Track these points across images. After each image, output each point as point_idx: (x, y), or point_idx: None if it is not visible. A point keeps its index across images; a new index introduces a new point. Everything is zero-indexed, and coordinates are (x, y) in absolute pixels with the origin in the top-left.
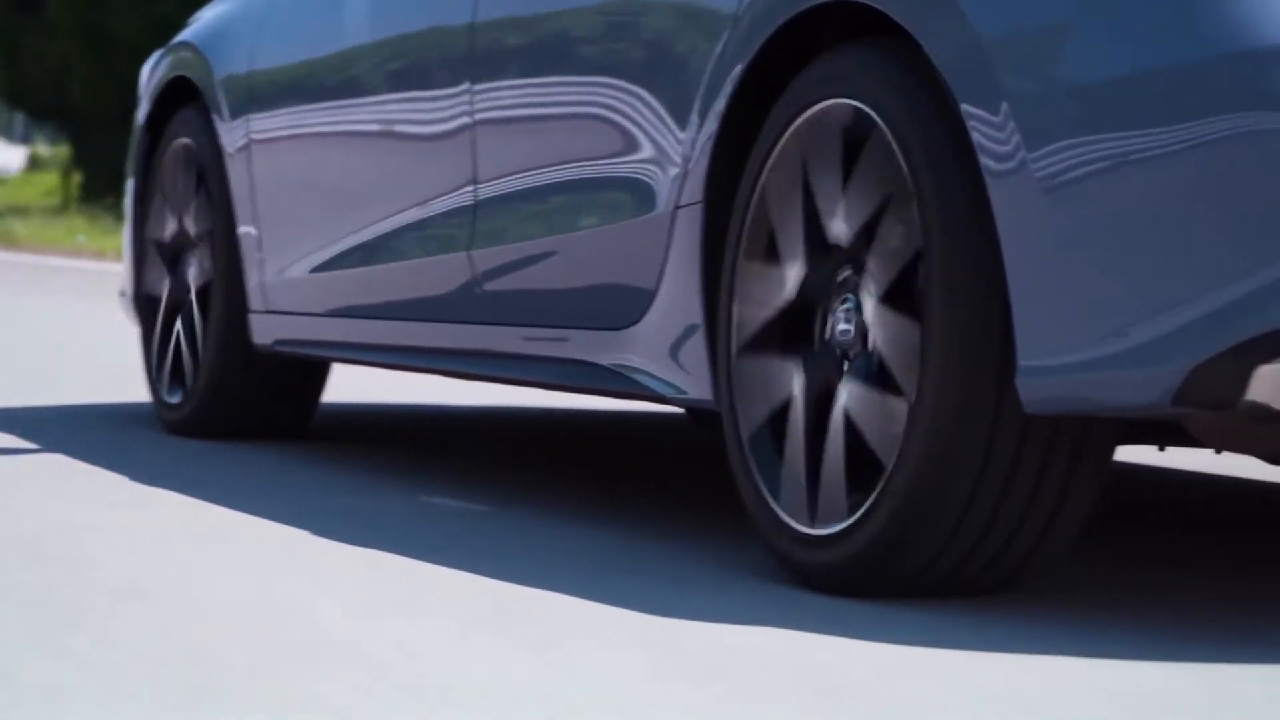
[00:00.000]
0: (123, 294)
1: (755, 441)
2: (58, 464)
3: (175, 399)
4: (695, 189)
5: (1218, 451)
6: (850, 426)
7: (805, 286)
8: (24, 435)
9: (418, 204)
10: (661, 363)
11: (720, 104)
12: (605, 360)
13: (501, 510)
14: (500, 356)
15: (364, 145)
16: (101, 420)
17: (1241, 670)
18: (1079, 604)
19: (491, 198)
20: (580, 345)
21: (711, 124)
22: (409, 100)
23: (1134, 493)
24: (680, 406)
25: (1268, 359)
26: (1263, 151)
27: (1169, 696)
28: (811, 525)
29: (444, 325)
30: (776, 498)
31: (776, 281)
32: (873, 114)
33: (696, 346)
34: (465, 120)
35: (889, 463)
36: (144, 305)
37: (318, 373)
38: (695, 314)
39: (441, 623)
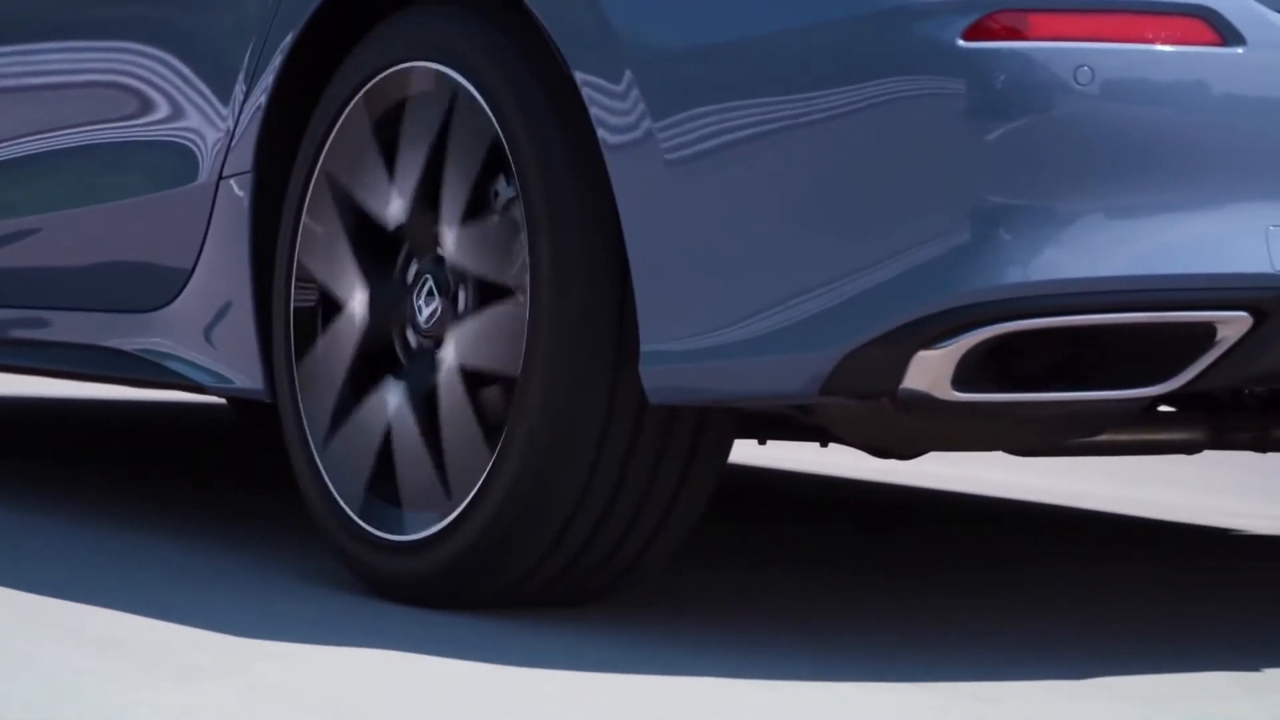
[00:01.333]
0: None
1: (367, 499)
2: None
3: None
4: (243, 159)
5: (824, 445)
6: (469, 378)
7: (375, 306)
8: None
9: None
10: (199, 348)
11: (269, 73)
12: (130, 346)
13: (8, 514)
14: (7, 343)
15: None
16: None
17: (859, 689)
18: (696, 613)
19: None
20: (99, 329)
21: (259, 95)
22: None
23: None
24: (222, 396)
25: (927, 344)
26: (914, 118)
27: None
28: (419, 530)
29: None
30: (363, 513)
31: (344, 328)
32: (458, 77)
33: (243, 331)
34: None
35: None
36: None
37: None
38: (242, 295)
39: None
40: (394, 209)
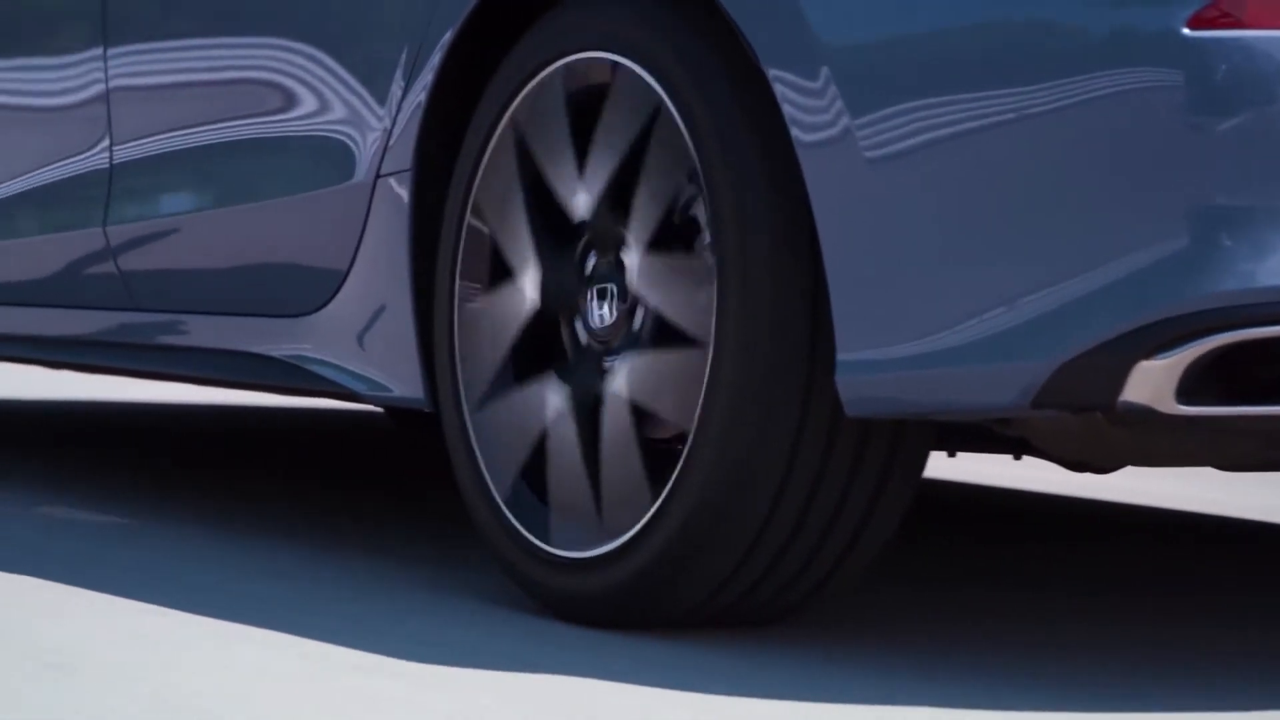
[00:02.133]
0: None
1: (515, 494)
2: None
3: None
4: (402, 157)
5: (1018, 458)
6: (636, 412)
7: (547, 289)
8: None
9: (29, 173)
10: (354, 355)
11: (429, 70)
12: (279, 352)
13: (150, 525)
14: (146, 348)
15: None
16: None
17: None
18: (881, 635)
19: (131, 162)
20: (245, 334)
21: (419, 93)
22: (20, 67)
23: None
24: (378, 405)
25: (1149, 354)
26: (1134, 113)
27: None
28: (595, 546)
29: (70, 311)
30: (533, 527)
31: (511, 300)
32: (640, 70)
33: (401, 337)
34: (98, 88)
35: (690, 428)
36: None
37: None
38: (401, 298)
39: (104, 672)
40: (578, 202)
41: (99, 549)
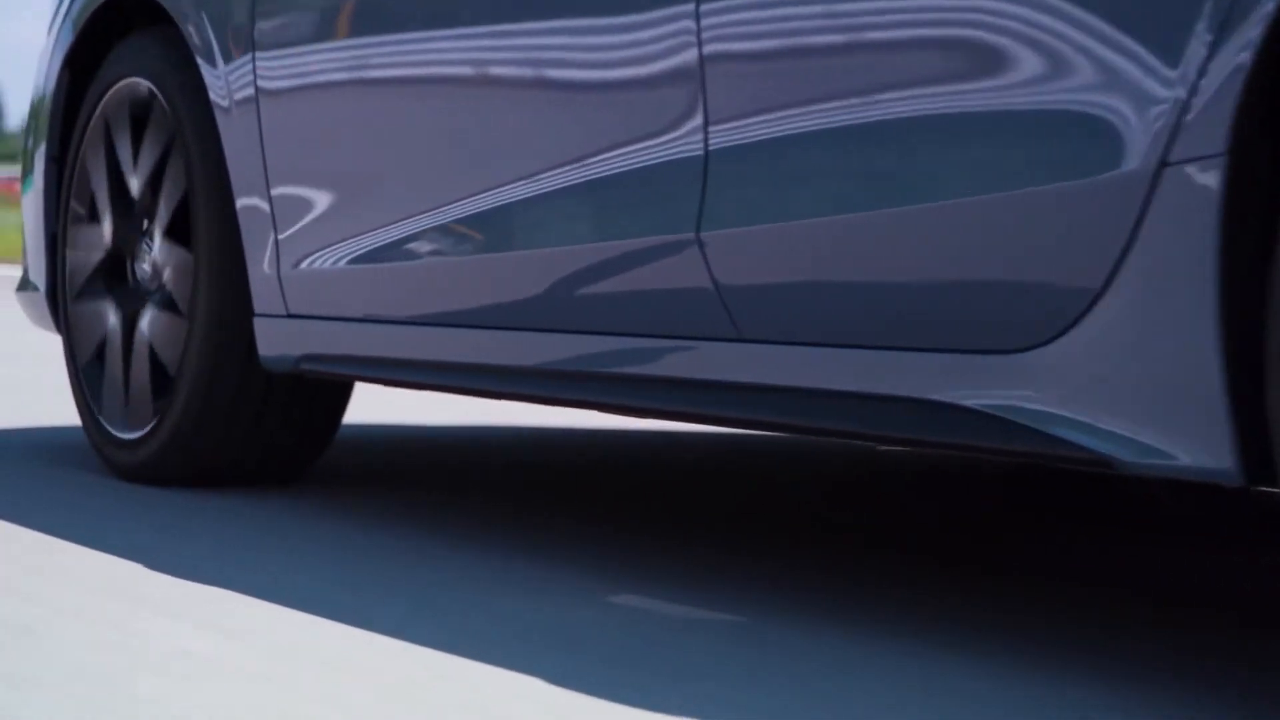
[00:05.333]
0: (25, 289)
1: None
2: None
3: (131, 434)
4: (1207, 138)
5: None
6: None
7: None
8: None
9: (582, 160)
10: (1105, 405)
11: (1258, 20)
12: (976, 400)
13: (765, 624)
14: (753, 389)
15: (479, 91)
16: (20, 458)
17: None
18: None
19: (736, 148)
20: (919, 376)
21: (1237, 51)
22: (563, 30)
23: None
24: (1147, 475)
25: None
26: None
27: None
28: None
29: (648, 341)
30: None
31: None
32: None
33: (1193, 381)
34: (689, 54)
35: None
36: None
37: (336, 395)
38: (1196, 328)
39: None
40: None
41: (704, 649)
